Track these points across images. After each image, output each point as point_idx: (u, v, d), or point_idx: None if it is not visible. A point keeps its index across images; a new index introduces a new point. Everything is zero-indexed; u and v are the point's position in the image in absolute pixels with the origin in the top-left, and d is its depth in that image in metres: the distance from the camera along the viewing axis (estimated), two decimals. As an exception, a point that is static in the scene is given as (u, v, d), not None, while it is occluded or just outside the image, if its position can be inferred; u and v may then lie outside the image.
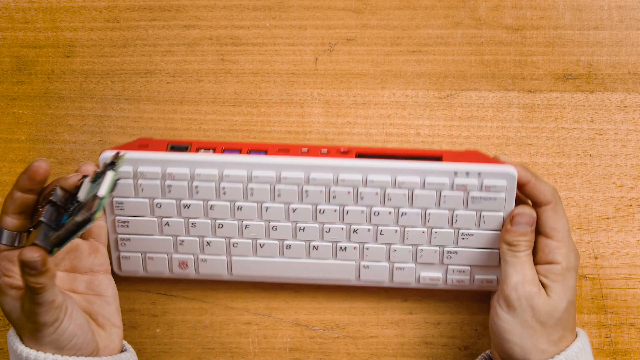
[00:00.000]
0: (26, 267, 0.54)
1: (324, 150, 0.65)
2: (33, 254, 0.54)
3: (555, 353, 0.60)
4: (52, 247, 0.56)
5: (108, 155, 0.62)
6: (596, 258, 0.70)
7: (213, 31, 0.71)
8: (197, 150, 0.65)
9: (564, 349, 0.61)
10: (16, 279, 0.58)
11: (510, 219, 0.62)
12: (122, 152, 0.60)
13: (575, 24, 0.70)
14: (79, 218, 0.55)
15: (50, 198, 0.57)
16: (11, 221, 0.58)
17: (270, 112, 0.71)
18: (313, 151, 0.65)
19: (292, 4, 0.71)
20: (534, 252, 0.63)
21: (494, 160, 0.64)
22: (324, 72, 0.71)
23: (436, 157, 0.64)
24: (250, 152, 0.65)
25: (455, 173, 0.62)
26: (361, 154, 0.64)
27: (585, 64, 0.70)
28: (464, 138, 0.70)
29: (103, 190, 0.56)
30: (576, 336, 0.63)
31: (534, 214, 0.62)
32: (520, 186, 0.62)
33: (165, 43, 0.71)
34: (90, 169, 0.60)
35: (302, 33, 0.71)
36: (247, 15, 0.71)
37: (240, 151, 0.65)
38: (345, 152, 0.65)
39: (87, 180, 0.58)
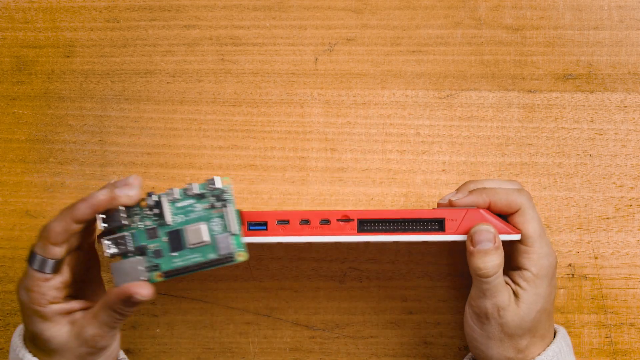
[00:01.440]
0: (131, 301, 0.56)
1: (324, 221, 0.61)
2: (149, 292, 0.56)
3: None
4: (151, 278, 0.57)
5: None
6: (596, 258, 0.70)
7: (213, 31, 0.71)
8: None
9: (532, 356, 0.60)
10: (64, 304, 0.58)
11: (470, 240, 0.59)
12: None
13: (575, 24, 0.70)
14: (212, 256, 0.57)
15: (124, 222, 0.57)
16: (59, 251, 0.57)
17: (270, 112, 0.71)
18: (313, 219, 0.61)
19: (292, 4, 0.71)
20: (505, 255, 0.60)
21: (498, 219, 0.61)
22: (324, 72, 0.71)
23: (438, 220, 0.60)
24: (249, 227, 0.61)
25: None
26: (362, 220, 0.61)
27: (585, 64, 0.70)
28: (464, 138, 0.70)
29: (236, 226, 0.57)
30: (553, 337, 0.62)
31: (491, 229, 0.59)
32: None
33: (165, 43, 0.71)
34: (136, 183, 0.58)
35: (302, 33, 0.71)
36: (247, 15, 0.71)
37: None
38: (345, 220, 0.61)
39: (165, 199, 0.58)
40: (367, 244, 0.70)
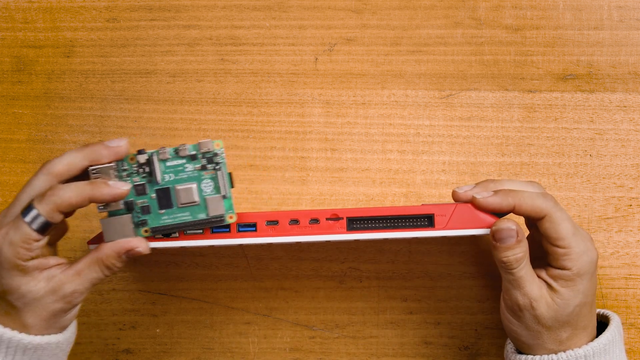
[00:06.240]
0: (129, 255, 0.58)
1: (313, 220, 0.61)
2: (147, 246, 0.58)
3: (561, 351, 0.60)
4: (138, 234, 0.59)
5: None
6: (596, 258, 0.70)
7: (213, 31, 0.71)
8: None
9: (571, 347, 0.61)
10: (43, 259, 0.58)
11: (492, 235, 0.60)
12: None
13: (575, 24, 0.70)
14: (201, 216, 0.58)
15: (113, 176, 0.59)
16: (62, 218, 0.57)
17: (270, 112, 0.71)
18: (303, 219, 0.61)
19: (292, 4, 0.71)
20: (545, 254, 0.61)
21: (484, 213, 0.61)
22: (324, 72, 0.71)
23: (427, 216, 0.61)
24: (239, 228, 0.61)
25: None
26: (351, 218, 0.61)
27: (585, 64, 0.70)
28: (464, 138, 0.70)
29: (227, 189, 0.58)
30: (600, 329, 0.63)
31: (513, 226, 0.59)
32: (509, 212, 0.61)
33: (165, 43, 0.71)
34: (122, 145, 0.59)
35: (302, 33, 0.71)
36: (247, 15, 0.71)
37: (229, 229, 0.61)
38: (334, 219, 0.61)
39: (156, 158, 0.58)
40: (366, 243, 0.70)
